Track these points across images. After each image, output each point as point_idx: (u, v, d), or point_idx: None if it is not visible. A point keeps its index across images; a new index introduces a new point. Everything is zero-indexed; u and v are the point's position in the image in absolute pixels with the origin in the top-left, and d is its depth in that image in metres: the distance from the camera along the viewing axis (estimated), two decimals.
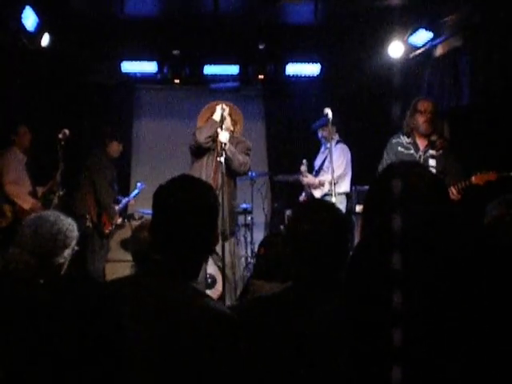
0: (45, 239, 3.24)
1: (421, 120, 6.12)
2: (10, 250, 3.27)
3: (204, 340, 2.03)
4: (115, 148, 8.50)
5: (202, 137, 6.24)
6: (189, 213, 2.25)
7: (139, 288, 2.20)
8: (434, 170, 5.97)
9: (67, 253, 3.33)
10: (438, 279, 1.07)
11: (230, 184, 6.44)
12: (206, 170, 6.32)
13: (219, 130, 6.17)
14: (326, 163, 7.55)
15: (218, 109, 6.33)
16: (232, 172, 6.36)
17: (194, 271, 2.34)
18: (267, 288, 3.06)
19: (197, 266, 2.36)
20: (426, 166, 6.02)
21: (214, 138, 6.25)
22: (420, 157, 6.14)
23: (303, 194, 8.22)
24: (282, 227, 8.39)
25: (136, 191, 9.01)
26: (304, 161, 8.12)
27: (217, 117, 6.27)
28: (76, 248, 3.45)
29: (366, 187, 7.65)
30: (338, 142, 8.03)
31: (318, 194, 7.81)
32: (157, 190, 2.34)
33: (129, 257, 8.15)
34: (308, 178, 7.93)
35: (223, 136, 6.17)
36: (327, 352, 2.01)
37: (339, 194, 7.53)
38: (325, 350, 2.04)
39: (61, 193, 7.12)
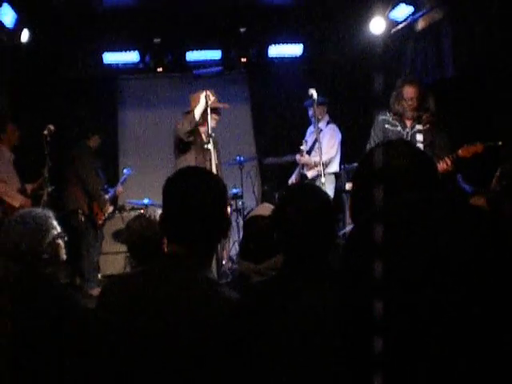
0: (14, 241, 3.15)
1: (407, 107, 6.14)
2: None
3: (222, 330, 2.06)
4: (96, 141, 8.49)
5: (183, 131, 6.29)
6: (199, 202, 2.27)
7: (156, 281, 2.23)
8: (421, 145, 6.00)
9: (47, 245, 3.22)
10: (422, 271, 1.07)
11: (219, 170, 6.48)
12: (194, 160, 6.34)
13: (209, 112, 6.19)
14: (318, 143, 7.55)
15: (202, 97, 6.33)
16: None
17: (207, 260, 2.37)
18: (252, 268, 3.10)
19: (211, 254, 2.40)
20: (413, 141, 6.06)
21: (194, 130, 6.31)
22: (407, 133, 6.17)
23: (293, 176, 8.22)
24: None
25: (124, 177, 8.99)
26: (304, 140, 8.12)
27: (198, 109, 6.28)
28: (59, 236, 3.34)
29: (355, 165, 7.68)
30: (328, 123, 8.03)
31: (311, 174, 7.80)
32: (165, 183, 2.36)
33: (121, 248, 8.22)
34: (305, 158, 7.92)
35: (213, 121, 6.26)
36: (321, 339, 2.02)
37: (329, 174, 7.56)
38: (319, 336, 2.05)
39: (49, 189, 7.10)
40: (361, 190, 1.92)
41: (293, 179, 8.22)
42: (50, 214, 3.40)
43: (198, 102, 6.43)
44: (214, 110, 6.54)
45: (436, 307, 1.01)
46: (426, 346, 1.01)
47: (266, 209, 3.32)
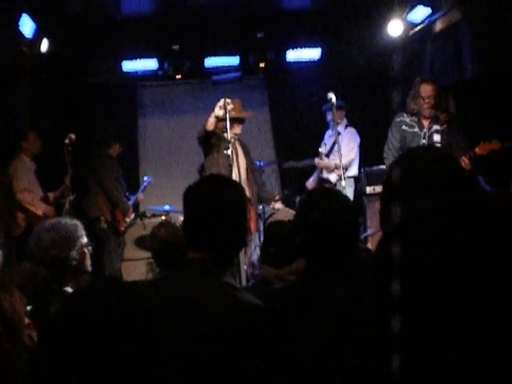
0: (45, 248, 3.29)
1: (424, 106, 6.14)
2: (22, 265, 3.32)
3: (239, 335, 2.08)
4: (117, 150, 8.53)
5: (200, 134, 6.35)
6: (219, 210, 2.31)
7: (179, 287, 2.26)
8: (438, 145, 6.00)
9: (74, 253, 3.36)
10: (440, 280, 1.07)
11: (246, 174, 6.54)
12: (219, 162, 6.35)
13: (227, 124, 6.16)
14: (336, 147, 7.54)
15: (217, 106, 6.19)
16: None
17: (227, 266, 2.43)
18: (273, 272, 3.11)
19: (231, 260, 2.46)
20: (430, 141, 6.06)
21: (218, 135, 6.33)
22: (425, 134, 6.16)
23: (311, 179, 8.21)
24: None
25: (144, 184, 9.02)
26: (323, 143, 8.10)
27: (214, 116, 6.23)
28: (86, 245, 3.47)
29: (375, 168, 7.66)
30: (346, 126, 8.02)
31: (333, 177, 7.77)
32: (186, 191, 2.41)
33: (143, 255, 8.25)
34: (325, 161, 7.90)
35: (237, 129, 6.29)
36: (345, 342, 2.02)
37: (348, 177, 7.54)
38: (343, 339, 2.05)
39: (71, 197, 7.15)
40: (390, 198, 1.91)
41: (310, 182, 8.20)
42: (79, 223, 3.54)
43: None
44: (237, 120, 6.55)
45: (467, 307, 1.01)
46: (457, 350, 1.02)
47: (286, 214, 3.33)
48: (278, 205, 6.70)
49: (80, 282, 3.67)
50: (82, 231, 3.46)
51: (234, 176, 6.13)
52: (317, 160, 7.98)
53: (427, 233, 1.10)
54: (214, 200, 2.32)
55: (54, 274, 3.30)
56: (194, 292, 2.20)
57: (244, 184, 6.10)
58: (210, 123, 6.21)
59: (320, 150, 8.00)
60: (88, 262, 3.51)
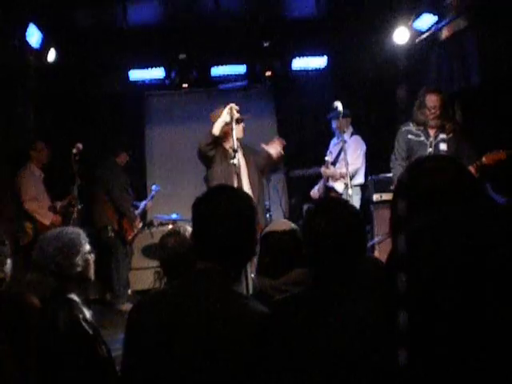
0: (50, 256, 3.34)
1: (430, 116, 6.17)
2: (28, 275, 3.40)
3: (249, 344, 2.12)
4: (124, 158, 8.57)
5: (202, 146, 6.22)
6: (228, 220, 2.33)
7: (191, 297, 2.28)
8: (445, 154, 6.00)
9: (79, 260, 3.40)
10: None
11: (255, 183, 6.45)
12: (220, 175, 6.25)
13: (233, 126, 6.09)
14: (342, 155, 7.52)
15: (225, 111, 6.16)
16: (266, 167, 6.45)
17: (236, 275, 2.43)
18: (268, 283, 3.12)
19: (239, 270, 2.47)
20: (437, 150, 6.07)
21: (216, 144, 6.25)
22: (431, 143, 6.18)
23: (316, 188, 8.19)
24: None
25: (152, 193, 9.05)
26: (328, 152, 8.10)
27: (220, 121, 6.18)
28: (89, 252, 3.51)
29: (382, 176, 7.66)
30: (352, 134, 8.02)
31: (339, 186, 7.75)
32: (194, 202, 2.42)
33: (151, 264, 8.27)
34: (331, 170, 7.89)
35: (239, 132, 6.19)
36: (355, 351, 2.03)
37: (355, 185, 7.53)
38: (353, 349, 2.06)
39: (79, 207, 7.17)
40: (404, 205, 1.91)
41: (315, 191, 8.19)
42: (81, 231, 3.59)
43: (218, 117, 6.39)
44: (237, 121, 6.50)
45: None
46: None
47: (282, 224, 3.33)
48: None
49: (85, 290, 3.71)
50: (84, 239, 3.51)
51: (237, 184, 6.09)
52: (323, 169, 7.97)
53: (435, 249, 1.11)
54: (224, 211, 2.34)
55: (60, 282, 3.34)
56: (206, 302, 2.22)
57: (249, 191, 6.06)
58: (217, 128, 6.17)
59: (326, 158, 8.00)
60: (92, 269, 3.55)
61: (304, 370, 2.16)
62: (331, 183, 7.89)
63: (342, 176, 7.62)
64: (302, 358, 2.15)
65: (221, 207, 2.35)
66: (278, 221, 3.98)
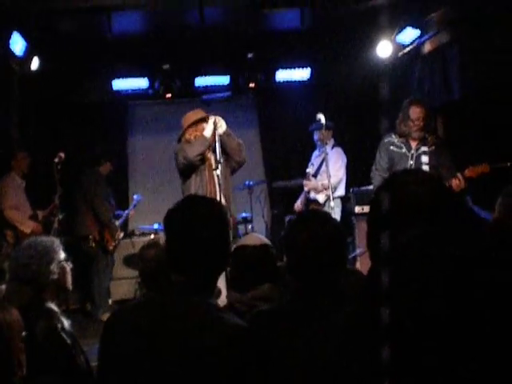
0: (25, 264, 3.34)
1: (413, 128, 6.20)
2: (5, 285, 3.41)
3: (224, 356, 2.06)
4: (107, 168, 8.55)
5: (194, 153, 6.10)
6: (200, 231, 2.28)
7: (159, 309, 2.25)
8: (426, 167, 6.07)
9: (54, 267, 3.40)
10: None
11: (229, 195, 6.40)
12: (200, 188, 6.21)
13: (217, 144, 6.03)
14: (324, 167, 7.54)
15: (210, 123, 6.16)
16: (234, 164, 6.32)
17: (210, 288, 2.38)
18: (236, 297, 3.13)
19: (213, 282, 2.40)
20: (418, 162, 6.11)
21: (204, 155, 6.19)
22: (412, 155, 6.22)
23: (298, 201, 8.21)
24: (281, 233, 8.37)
25: (134, 203, 9.03)
26: (310, 164, 8.11)
27: (208, 132, 6.16)
28: (65, 260, 3.52)
29: (363, 188, 7.70)
30: (333, 146, 8.04)
31: (321, 197, 7.77)
32: (167, 214, 2.38)
33: (132, 274, 8.23)
34: (312, 183, 7.90)
35: (221, 126, 6.14)
36: (335, 364, 2.03)
37: (336, 197, 7.54)
38: (333, 361, 2.06)
39: (60, 216, 7.14)
40: (377, 221, 1.92)
41: (298, 204, 8.21)
42: (55, 239, 3.61)
43: (190, 122, 6.36)
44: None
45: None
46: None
47: (254, 239, 3.33)
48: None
49: (65, 300, 3.72)
50: (58, 246, 3.52)
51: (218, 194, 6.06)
52: (305, 181, 8.00)
53: (414, 262, 1.13)
54: (194, 222, 2.30)
55: (37, 291, 3.34)
56: (176, 315, 2.18)
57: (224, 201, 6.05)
58: (209, 136, 6.14)
59: (307, 170, 8.02)
60: (69, 277, 3.56)
61: (285, 381, 2.17)
62: (313, 195, 7.91)
63: (325, 188, 7.64)
64: (281, 370, 2.15)
65: (192, 218, 2.31)
66: (251, 235, 3.97)
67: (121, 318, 2.38)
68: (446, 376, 1.08)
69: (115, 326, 2.33)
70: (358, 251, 7.28)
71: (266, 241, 3.33)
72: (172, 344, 2.13)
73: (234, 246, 3.29)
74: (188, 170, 6.27)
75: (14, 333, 2.69)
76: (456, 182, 5.74)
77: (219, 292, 7.17)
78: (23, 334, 2.77)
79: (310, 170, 8.00)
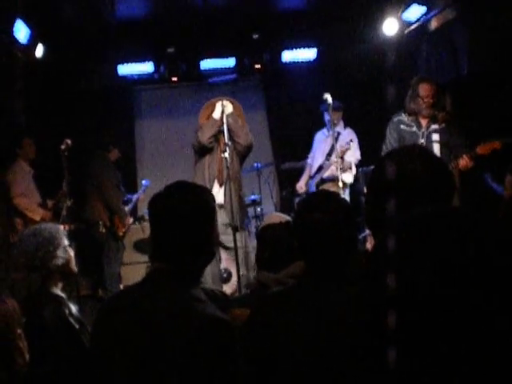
0: (32, 252, 3.37)
1: (423, 105, 6.13)
2: (13, 274, 3.48)
3: (201, 347, 2.03)
4: (115, 154, 8.52)
5: (205, 137, 6.27)
6: (184, 218, 2.24)
7: (139, 297, 2.23)
8: (437, 144, 6.01)
9: (60, 252, 3.43)
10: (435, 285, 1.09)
11: (237, 177, 6.45)
12: (210, 168, 6.35)
13: (224, 120, 6.16)
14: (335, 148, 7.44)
15: (218, 106, 6.33)
16: (239, 147, 6.41)
17: (195, 276, 2.33)
18: (271, 277, 3.09)
19: (197, 270, 2.35)
20: (429, 140, 6.06)
21: (217, 136, 6.30)
22: (423, 133, 6.16)
23: (302, 182, 8.19)
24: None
25: (142, 188, 9.01)
26: (311, 153, 8.09)
27: (217, 114, 6.28)
28: (70, 246, 3.55)
29: (373, 168, 7.65)
30: (345, 127, 8.01)
31: (349, 177, 7.70)
32: (152, 198, 2.34)
33: (143, 258, 8.25)
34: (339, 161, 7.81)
35: (227, 109, 6.26)
36: (344, 343, 2.02)
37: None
38: (342, 340, 2.05)
39: (68, 203, 7.12)
40: (375, 197, 1.90)
41: (302, 185, 8.18)
42: (60, 226, 3.71)
43: (210, 111, 6.46)
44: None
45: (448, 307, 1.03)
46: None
47: (277, 218, 3.33)
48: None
49: (69, 285, 3.75)
50: (63, 232, 3.56)
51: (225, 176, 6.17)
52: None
53: (418, 241, 1.12)
54: (177, 209, 2.25)
55: (44, 277, 3.37)
56: (154, 304, 2.15)
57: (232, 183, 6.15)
58: (219, 119, 6.23)
59: (308, 161, 8.01)
60: (74, 263, 3.57)
61: (285, 363, 2.16)
62: (332, 174, 7.76)
63: (349, 167, 7.61)
64: (285, 352, 2.15)
65: (174, 205, 2.26)
66: (272, 214, 3.98)
67: (106, 307, 2.39)
68: (451, 349, 1.06)
69: (100, 314, 2.33)
70: (367, 231, 7.26)
71: (288, 218, 3.33)
72: (145, 334, 2.10)
73: (259, 227, 3.29)
74: (202, 152, 6.42)
75: (9, 319, 2.70)
76: (463, 162, 5.70)
77: (229, 275, 7.21)
78: (22, 320, 2.79)
79: (310, 160, 7.99)
